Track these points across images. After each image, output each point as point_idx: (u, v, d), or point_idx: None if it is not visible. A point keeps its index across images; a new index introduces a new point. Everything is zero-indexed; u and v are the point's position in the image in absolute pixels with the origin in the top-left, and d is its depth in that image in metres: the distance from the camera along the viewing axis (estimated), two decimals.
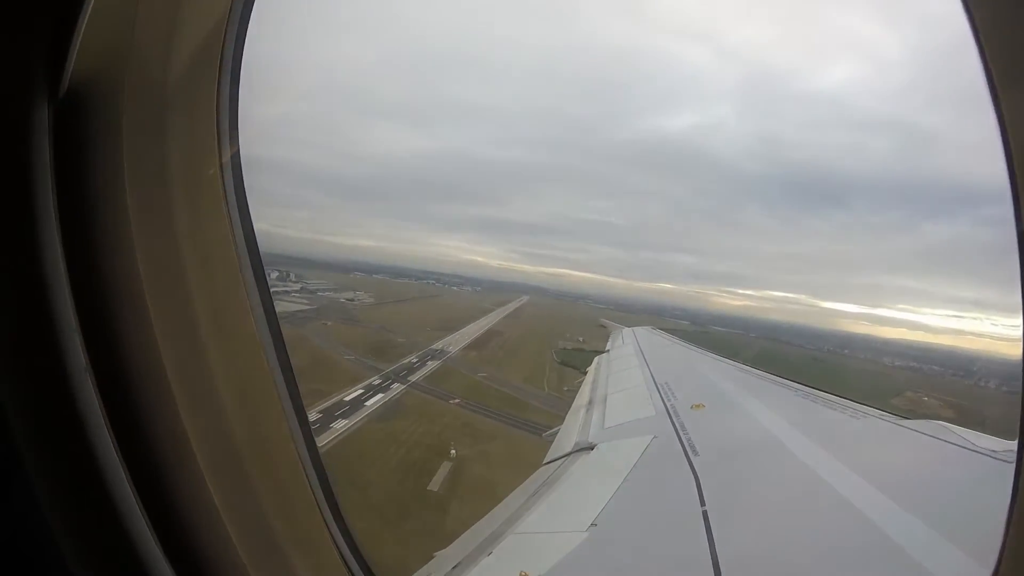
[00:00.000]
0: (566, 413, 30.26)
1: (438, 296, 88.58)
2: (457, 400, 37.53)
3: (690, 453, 5.54)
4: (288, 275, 66.93)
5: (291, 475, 1.46)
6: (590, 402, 9.14)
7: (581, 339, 71.13)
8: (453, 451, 28.83)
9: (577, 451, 6.64)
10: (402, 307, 70.76)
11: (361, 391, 34.32)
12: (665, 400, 7.85)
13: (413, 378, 40.09)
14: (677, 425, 6.53)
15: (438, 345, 50.94)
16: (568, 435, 7.63)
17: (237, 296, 1.39)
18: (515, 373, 47.67)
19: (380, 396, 34.53)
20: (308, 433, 1.50)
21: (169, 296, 1.24)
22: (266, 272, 1.49)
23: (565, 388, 47.75)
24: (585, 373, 41.51)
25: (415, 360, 45.00)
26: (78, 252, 1.11)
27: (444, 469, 27.06)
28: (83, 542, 1.09)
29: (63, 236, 1.08)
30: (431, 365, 44.52)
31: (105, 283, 1.16)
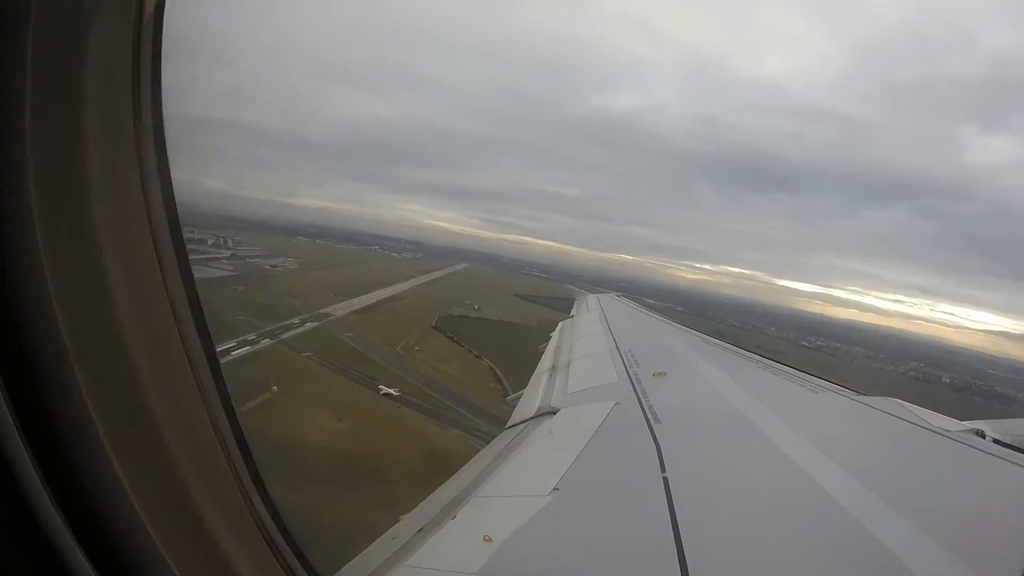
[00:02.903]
0: (400, 371, 42.96)
1: (368, 263, 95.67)
2: (308, 353, 47.51)
3: (651, 420, 5.58)
4: (226, 241, 74.68)
5: (209, 451, 1.36)
6: (553, 367, 9.10)
7: (477, 307, 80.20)
8: (275, 387, 38.98)
9: (540, 415, 6.64)
10: (322, 273, 78.82)
11: (233, 344, 41.34)
12: (628, 367, 7.86)
13: (285, 336, 48.47)
14: (639, 392, 6.57)
15: (328, 309, 59.99)
16: (531, 400, 7.66)
17: (149, 257, 1.23)
18: (379, 335, 56.78)
19: (247, 348, 42.43)
20: (230, 408, 1.40)
21: (70, 245, 1.07)
22: (185, 235, 1.35)
23: (416, 348, 58.09)
24: (451, 337, 53.48)
25: (296, 321, 53.73)
26: None
27: (260, 398, 34.65)
28: None
29: None
30: (308, 326, 53.24)
31: None
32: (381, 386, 40.03)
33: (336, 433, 33.39)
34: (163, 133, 1.27)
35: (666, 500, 3.81)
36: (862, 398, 6.22)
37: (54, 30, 1.02)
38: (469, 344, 59.53)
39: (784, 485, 4.15)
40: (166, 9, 1.23)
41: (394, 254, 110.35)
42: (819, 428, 5.45)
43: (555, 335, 12.22)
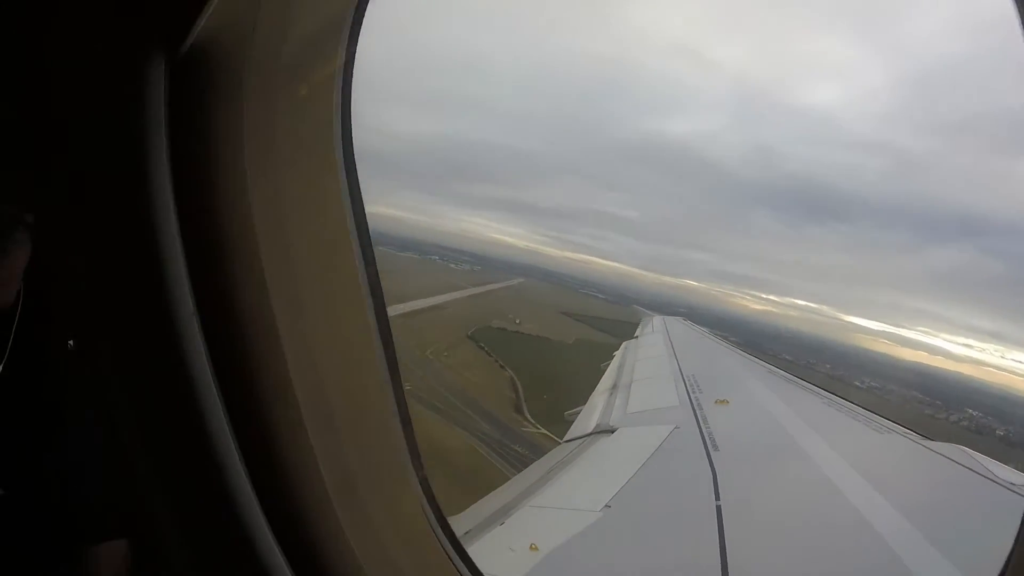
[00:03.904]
0: (422, 372, 47.40)
1: (424, 272, 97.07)
2: None
3: (710, 447, 5.56)
4: None
5: (386, 444, 1.45)
6: (614, 386, 9.09)
7: (518, 321, 79.93)
8: None
9: (598, 432, 6.69)
10: None
11: None
12: (690, 392, 7.84)
13: None
14: (700, 418, 6.58)
15: None
16: (590, 416, 7.73)
17: (348, 273, 1.37)
18: (413, 339, 58.28)
19: None
20: (402, 401, 1.45)
21: (282, 260, 1.21)
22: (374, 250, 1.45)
23: (444, 354, 60.15)
24: (482, 347, 56.82)
25: None
26: (190, 209, 1.09)
27: None
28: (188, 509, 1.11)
29: (176, 192, 1.06)
30: None
31: (217, 240, 1.15)
32: None
33: None
34: (354, 164, 1.38)
35: (717, 528, 3.88)
36: (927, 443, 6.24)
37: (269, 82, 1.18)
38: (498, 355, 62.14)
39: (840, 526, 4.21)
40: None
41: (452, 265, 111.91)
42: (881, 471, 5.39)
43: (618, 354, 12.42)
